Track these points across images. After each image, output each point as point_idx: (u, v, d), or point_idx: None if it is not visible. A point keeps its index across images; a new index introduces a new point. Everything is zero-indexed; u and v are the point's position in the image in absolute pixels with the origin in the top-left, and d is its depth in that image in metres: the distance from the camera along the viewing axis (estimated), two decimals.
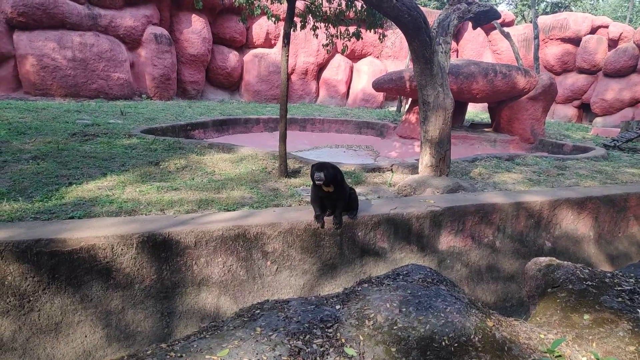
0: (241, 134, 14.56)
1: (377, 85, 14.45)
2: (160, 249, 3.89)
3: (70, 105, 13.78)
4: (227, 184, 6.00)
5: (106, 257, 3.72)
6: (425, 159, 6.50)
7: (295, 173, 7.21)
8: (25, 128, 8.98)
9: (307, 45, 22.60)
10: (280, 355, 2.38)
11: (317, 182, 4.01)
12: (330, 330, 2.61)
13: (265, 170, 7.11)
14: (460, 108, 14.41)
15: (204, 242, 4.03)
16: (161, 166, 6.87)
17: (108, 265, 3.74)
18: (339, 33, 7.82)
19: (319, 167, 4.03)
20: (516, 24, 31.78)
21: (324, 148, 15.16)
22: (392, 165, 7.81)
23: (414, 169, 7.48)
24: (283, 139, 6.92)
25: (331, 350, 2.48)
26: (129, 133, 9.42)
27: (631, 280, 3.10)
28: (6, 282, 3.50)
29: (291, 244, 4.36)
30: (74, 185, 5.44)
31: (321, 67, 23.38)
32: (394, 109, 22.11)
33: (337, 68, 23.25)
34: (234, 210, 4.84)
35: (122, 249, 3.75)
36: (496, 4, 36.34)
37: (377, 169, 7.60)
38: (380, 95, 23.52)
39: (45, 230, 3.77)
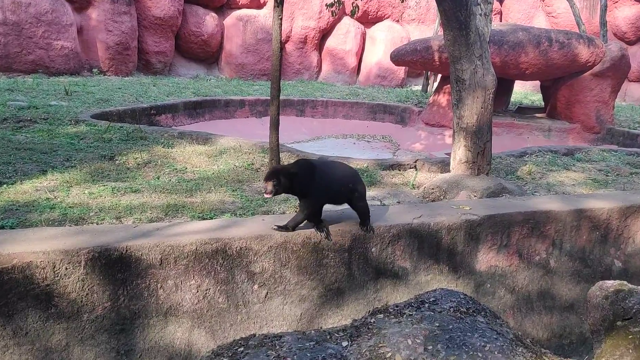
0: (221, 120, 14.61)
1: (397, 58, 14.46)
2: (116, 268, 3.90)
3: (1, 81, 13.86)
4: (202, 184, 6.02)
5: (46, 278, 3.73)
6: (459, 153, 6.51)
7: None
8: None
9: (307, 5, 22.64)
10: None
11: (264, 196, 4.12)
12: None
13: (252, 167, 7.13)
14: (504, 87, 14.42)
15: (172, 260, 4.04)
16: (117, 161, 6.89)
17: (48, 289, 3.75)
18: None
19: (269, 174, 4.05)
20: None
21: (328, 139, 15.19)
22: (415, 161, 7.82)
23: (444, 165, 7.49)
24: (275, 127, 6.93)
25: None
26: (76, 118, 9.45)
27: None
28: None
29: (285, 263, 4.36)
30: (4, 185, 5.46)
31: (324, 34, 23.45)
32: (419, 88, 22.13)
33: (345, 35, 23.31)
34: (212, 218, 4.86)
35: (66, 268, 3.76)
36: None
37: (396, 166, 7.62)
38: (400, 71, 23.56)
39: None
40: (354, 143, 14.72)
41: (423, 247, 4.84)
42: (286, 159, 7.61)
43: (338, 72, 23.54)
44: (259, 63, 22.04)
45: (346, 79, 23.63)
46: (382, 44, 23.47)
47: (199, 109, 14.29)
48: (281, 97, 7.43)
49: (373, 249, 4.66)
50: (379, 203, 5.77)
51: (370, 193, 6.22)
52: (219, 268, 4.19)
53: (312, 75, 23.40)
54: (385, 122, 16.48)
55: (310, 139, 14.90)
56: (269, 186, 3.98)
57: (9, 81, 14.17)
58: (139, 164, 6.83)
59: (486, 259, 5.16)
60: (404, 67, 22.67)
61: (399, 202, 5.87)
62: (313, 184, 4.13)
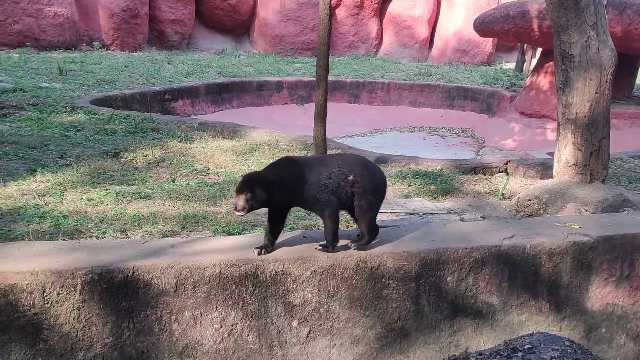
0: (252, 108, 14.82)
1: (483, 26, 14.30)
2: (120, 294, 3.98)
3: None
4: (228, 190, 6.11)
5: (33, 305, 3.85)
6: (566, 153, 6.38)
7: None
8: None
9: None
10: None
11: (236, 215, 4.12)
12: None
13: None
14: (627, 66, 14.03)
15: (189, 286, 4.10)
16: (123, 159, 7.08)
17: (36, 320, 3.87)
18: None
19: (241, 185, 4.00)
20: None
21: (390, 132, 15.15)
22: (506, 163, 7.71)
23: (544, 169, 7.35)
24: (321, 117, 6.97)
25: None
26: (72, 104, 9.78)
27: None
28: None
29: (333, 293, 4.37)
30: None
31: None
32: (512, 66, 21.80)
33: None
34: (240, 233, 4.92)
35: (58, 294, 3.87)
36: None
37: (480, 169, 7.54)
38: (487, 43, 23.29)
39: None
40: (424, 138, 14.64)
41: (515, 277, 4.76)
42: None
43: (404, 46, 23.48)
44: (302, 34, 22.24)
45: (414, 54, 23.54)
46: (462, 8, 23.25)
47: (224, 93, 14.55)
48: (330, 78, 7.49)
49: (449, 278, 4.61)
50: (456, 217, 5.71)
51: (444, 204, 6.17)
52: (248, 297, 4.22)
53: (370, 49, 23.42)
54: (466, 110, 16.33)
55: (367, 133, 14.92)
56: (240, 201, 3.92)
57: None
58: (149, 163, 7.00)
59: (601, 295, 5.03)
60: (491, 39, 22.38)
61: (483, 217, 5.80)
62: (305, 187, 4.11)
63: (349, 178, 4.20)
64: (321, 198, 4.16)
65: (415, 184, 6.77)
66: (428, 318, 4.61)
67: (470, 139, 14.66)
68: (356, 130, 14.89)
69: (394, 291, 4.50)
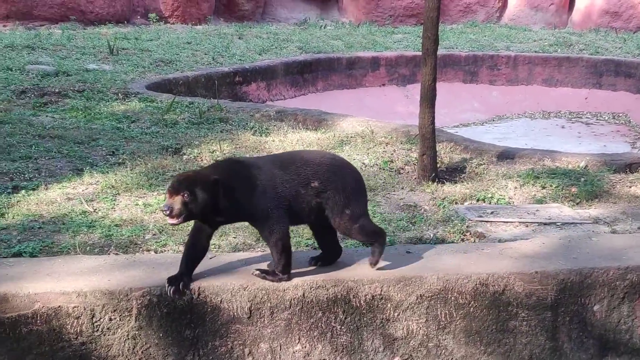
0: (341, 91, 14.86)
1: None
2: (183, 321, 4.07)
3: (16, 35, 15.11)
4: None
5: (81, 333, 3.98)
6: None
7: (453, 172, 7.16)
8: None
9: None
10: None
11: (168, 222, 3.95)
12: None
13: (391, 166, 7.18)
14: None
15: (266, 311, 4.15)
16: (185, 156, 7.26)
17: (84, 351, 3.99)
18: None
19: (176, 183, 3.88)
20: None
21: (517, 119, 14.89)
22: None
23: None
24: (429, 101, 6.92)
25: None
26: (125, 90, 10.08)
27: None
28: None
29: (445, 324, 4.33)
30: (23, 191, 5.93)
31: None
32: None
33: None
34: None
35: (110, 319, 4.00)
36: None
37: (637, 165, 7.31)
38: None
39: None
40: (563, 127, 14.32)
41: None
42: (448, 154, 7.57)
43: (535, 8, 23.00)
44: None
45: (549, 18, 23.01)
46: None
47: (307, 73, 14.66)
48: (440, 52, 7.41)
49: (596, 307, 4.50)
50: (606, 229, 5.55)
51: (589, 212, 6.02)
52: (338, 327, 4.25)
53: (491, 13, 23.08)
54: (618, 90, 15.84)
55: (487, 120, 14.72)
56: (177, 203, 3.76)
57: (28, 34, 15.38)
58: (217, 160, 7.13)
59: None
60: None
61: None
62: (254, 193, 3.99)
63: (312, 185, 4.09)
64: (269, 209, 4.02)
65: (551, 186, 6.63)
66: (569, 358, 4.52)
67: (624, 127, 14.24)
68: (473, 117, 14.72)
69: (524, 323, 4.43)
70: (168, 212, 3.75)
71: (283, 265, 4.12)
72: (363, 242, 4.44)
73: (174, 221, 3.79)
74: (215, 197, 3.85)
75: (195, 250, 4.13)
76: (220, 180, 3.86)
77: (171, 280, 3.98)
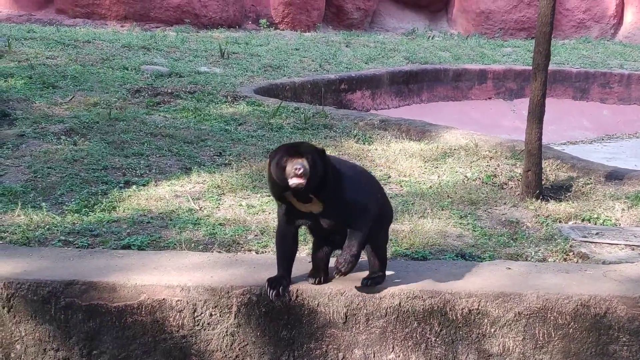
0: (447, 103, 14.79)
1: None
2: (281, 321, 4.15)
3: (133, 36, 15.70)
4: (412, 203, 6.18)
5: (182, 326, 4.12)
6: None
7: (558, 190, 7.05)
8: (55, 76, 10.49)
9: None
10: None
11: (292, 184, 3.74)
12: None
13: (494, 181, 7.13)
14: None
15: (362, 318, 4.19)
16: None
17: (185, 343, 4.13)
18: None
19: (301, 146, 3.87)
20: None
21: (629, 139, 14.48)
22: None
23: None
24: (537, 117, 6.84)
25: None
26: (234, 93, 10.32)
27: None
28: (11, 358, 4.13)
29: (542, 343, 4.27)
30: (134, 186, 6.19)
31: None
32: None
33: None
34: (425, 258, 4.95)
35: (211, 315, 4.11)
36: None
37: None
38: None
39: (82, 266, 4.30)
40: None
41: None
42: (554, 171, 7.46)
43: None
44: (515, 10, 21.92)
45: None
46: None
47: (412, 83, 14.65)
48: (550, 67, 7.31)
49: None
50: None
51: None
52: (433, 339, 4.24)
53: (605, 30, 22.60)
54: None
55: (597, 139, 14.38)
56: (305, 164, 3.71)
57: (144, 35, 16.00)
58: None
59: None
60: None
61: None
62: (360, 187, 4.11)
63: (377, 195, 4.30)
64: (365, 197, 4.10)
65: None
66: None
67: None
68: (582, 135, 14.41)
69: (625, 347, 4.33)
70: (302, 170, 3.68)
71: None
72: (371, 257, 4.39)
73: (302, 180, 3.70)
74: (326, 168, 3.89)
75: (289, 250, 4.19)
76: (328, 158, 3.99)
77: (272, 283, 4.04)
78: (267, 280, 4.08)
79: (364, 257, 4.19)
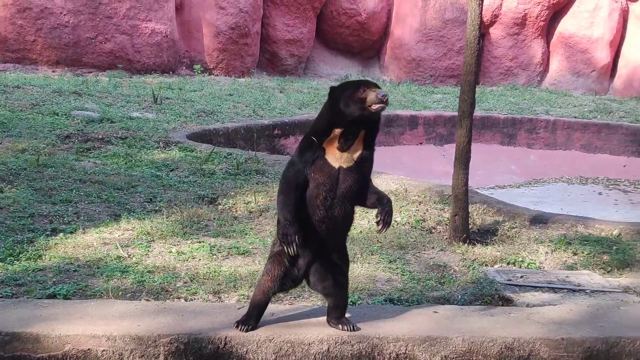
0: (379, 148, 14.65)
1: None
2: None
3: (64, 81, 15.49)
4: (350, 248, 6.19)
5: None
6: None
7: (485, 234, 7.16)
8: None
9: None
10: None
11: (377, 108, 4.07)
12: None
13: (423, 226, 7.21)
14: None
15: None
16: (220, 206, 7.36)
17: None
18: None
19: (367, 81, 4.28)
20: None
21: (554, 183, 14.81)
22: None
23: None
24: (463, 162, 6.95)
25: None
26: (166, 139, 10.27)
27: None
28: None
29: None
30: (61, 234, 6.07)
31: (556, 12, 23.16)
32: None
33: (591, 13, 22.88)
34: (354, 303, 4.97)
35: None
36: None
37: None
38: None
39: (4, 316, 4.19)
40: (600, 193, 14.21)
41: None
42: (480, 215, 7.57)
43: (577, 74, 23.05)
44: (445, 58, 22.35)
45: (591, 84, 23.03)
46: None
47: None
48: (479, 113, 7.51)
49: None
50: (635, 298, 5.50)
51: (620, 280, 6.00)
52: None
53: (532, 77, 23.16)
54: None
55: (524, 183, 14.67)
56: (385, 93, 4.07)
57: (76, 80, 15.77)
58: (251, 212, 7.23)
59: None
60: None
61: None
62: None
63: None
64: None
65: (582, 253, 6.58)
66: None
67: None
68: (509, 179, 14.68)
69: None
70: (387, 96, 4.04)
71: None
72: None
73: (385, 105, 4.08)
74: None
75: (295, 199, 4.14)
76: None
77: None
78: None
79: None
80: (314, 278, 4.27)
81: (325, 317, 4.38)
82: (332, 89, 4.21)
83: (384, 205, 4.24)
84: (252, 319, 4.23)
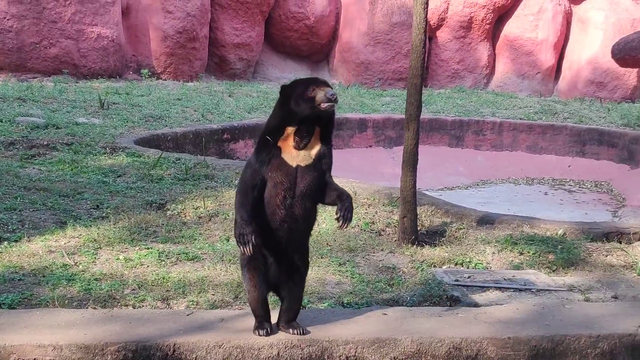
0: None
1: (624, 54, 14.11)
2: None
3: (8, 87, 15.20)
4: None
5: None
6: None
7: (433, 235, 7.23)
8: None
9: None
10: None
11: (326, 107, 4.06)
12: None
13: (372, 228, 7.26)
14: None
15: None
16: (169, 212, 7.32)
17: None
18: None
19: (317, 79, 4.22)
20: None
21: (501, 184, 14.98)
22: None
23: None
24: (411, 164, 7.01)
25: None
26: (113, 145, 10.15)
27: None
28: None
29: None
30: (5, 242, 5.97)
31: (501, 15, 23.46)
32: None
33: (536, 16, 23.24)
34: (303, 306, 4.97)
35: None
36: None
37: (615, 235, 7.38)
38: (630, 75, 22.88)
39: None
40: (546, 193, 14.41)
41: None
42: (429, 217, 7.64)
43: (522, 76, 23.38)
44: (393, 61, 22.49)
45: (536, 86, 23.39)
46: (598, 30, 23.01)
47: None
48: (427, 116, 7.57)
49: None
50: (580, 297, 5.61)
51: (565, 279, 6.10)
52: None
53: (478, 80, 23.43)
54: (601, 159, 16.00)
55: (472, 185, 14.82)
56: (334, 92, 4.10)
57: (20, 86, 15.50)
58: (200, 217, 7.21)
59: None
60: (635, 70, 21.99)
61: (615, 298, 5.66)
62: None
63: None
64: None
65: (528, 252, 6.69)
66: None
67: (606, 196, 14.33)
68: (458, 181, 14.81)
69: None
70: (335, 95, 4.03)
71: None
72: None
73: (334, 104, 4.07)
74: None
75: (252, 201, 4.15)
76: None
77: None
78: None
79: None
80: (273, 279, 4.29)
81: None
82: (283, 87, 4.22)
83: (343, 201, 4.21)
84: (263, 321, 4.27)
